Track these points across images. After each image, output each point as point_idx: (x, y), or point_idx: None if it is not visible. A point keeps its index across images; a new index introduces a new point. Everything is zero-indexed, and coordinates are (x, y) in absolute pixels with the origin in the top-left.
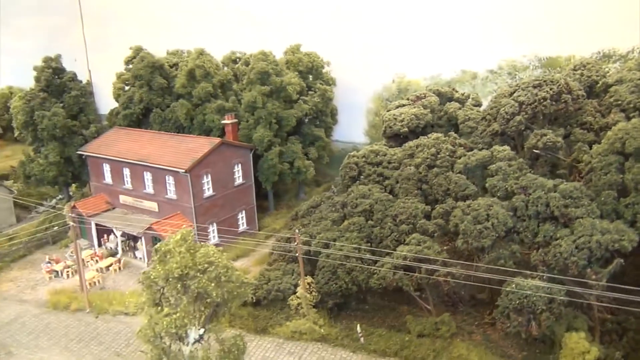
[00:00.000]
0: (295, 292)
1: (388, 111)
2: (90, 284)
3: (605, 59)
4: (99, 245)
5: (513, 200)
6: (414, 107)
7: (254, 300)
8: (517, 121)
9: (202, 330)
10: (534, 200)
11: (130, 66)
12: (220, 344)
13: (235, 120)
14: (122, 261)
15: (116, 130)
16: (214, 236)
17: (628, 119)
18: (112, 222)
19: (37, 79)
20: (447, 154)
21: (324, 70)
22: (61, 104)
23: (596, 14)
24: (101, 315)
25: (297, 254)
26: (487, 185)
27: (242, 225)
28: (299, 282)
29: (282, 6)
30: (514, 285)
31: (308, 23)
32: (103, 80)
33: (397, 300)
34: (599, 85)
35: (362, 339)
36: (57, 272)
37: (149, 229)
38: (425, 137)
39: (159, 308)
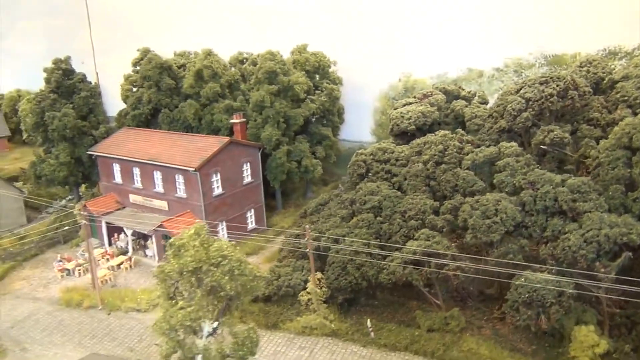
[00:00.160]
0: (305, 288)
1: (395, 109)
2: (102, 281)
3: (611, 56)
4: (109, 244)
5: (521, 195)
6: (421, 105)
7: (266, 295)
8: (524, 118)
9: (216, 323)
10: (542, 195)
11: (138, 68)
12: (234, 337)
13: (244, 119)
14: (132, 259)
15: (125, 130)
16: (223, 234)
17: (635, 114)
18: (123, 220)
19: (48, 81)
20: (455, 150)
21: (330, 70)
22: (71, 105)
23: (601, 12)
24: (113, 312)
25: (307, 250)
26: (494, 181)
27: (251, 223)
28: (309, 278)
29: (288, 7)
30: (523, 279)
31: (314, 23)
32: (109, 82)
33: (406, 296)
34: (605, 81)
35: (372, 334)
36: (68, 270)
37: (160, 226)
38: (433, 134)
39: (174, 302)
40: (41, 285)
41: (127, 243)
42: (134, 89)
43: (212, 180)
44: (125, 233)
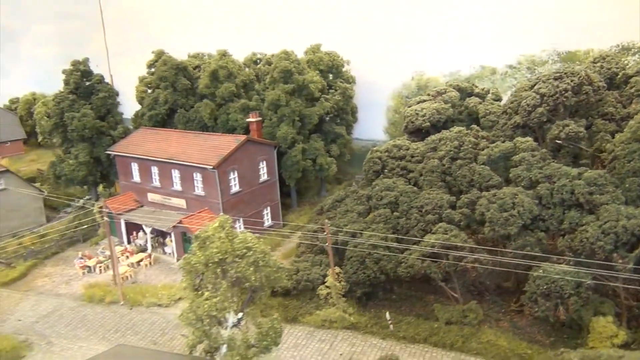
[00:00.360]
0: (324, 282)
1: (409, 107)
2: (122, 278)
3: (624, 51)
4: (129, 242)
5: (538, 188)
6: (435, 102)
7: (285, 289)
8: (538, 113)
9: (241, 314)
10: (558, 188)
11: (153, 69)
12: (258, 327)
13: (260, 118)
14: (152, 257)
15: (143, 130)
16: (241, 231)
17: None
18: (142, 218)
19: (66, 82)
20: (470, 146)
21: (344, 69)
22: (89, 106)
23: (613, 8)
24: (135, 307)
25: (326, 245)
26: (510, 175)
27: (267, 220)
28: (328, 272)
29: (301, 7)
30: (541, 271)
31: (327, 23)
32: (124, 84)
33: (424, 290)
34: (619, 76)
35: (391, 326)
36: (89, 267)
37: (179, 223)
38: (448, 130)
39: (199, 293)
40: (63, 282)
41: (146, 240)
42: (149, 91)
43: (229, 178)
44: (144, 231)
